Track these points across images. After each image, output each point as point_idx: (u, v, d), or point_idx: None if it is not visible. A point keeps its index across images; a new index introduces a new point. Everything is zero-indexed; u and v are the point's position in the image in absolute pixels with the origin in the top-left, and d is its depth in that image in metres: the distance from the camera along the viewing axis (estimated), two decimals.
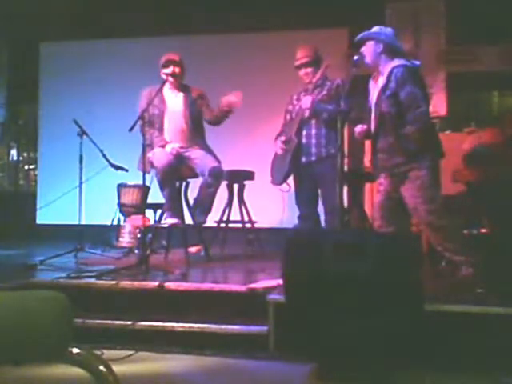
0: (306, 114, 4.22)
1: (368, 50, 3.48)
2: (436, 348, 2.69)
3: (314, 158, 4.22)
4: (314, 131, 4.22)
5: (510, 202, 4.09)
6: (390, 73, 3.37)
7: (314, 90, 4.22)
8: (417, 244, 2.79)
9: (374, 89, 3.52)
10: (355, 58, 3.53)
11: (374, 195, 5.34)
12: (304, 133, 4.25)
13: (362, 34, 3.52)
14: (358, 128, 3.59)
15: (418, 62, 3.53)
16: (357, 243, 2.68)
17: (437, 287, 3.23)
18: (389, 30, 3.56)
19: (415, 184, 3.34)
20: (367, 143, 5.42)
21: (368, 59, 3.49)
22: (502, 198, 4.10)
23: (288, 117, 4.43)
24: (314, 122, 4.22)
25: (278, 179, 4.33)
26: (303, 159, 4.25)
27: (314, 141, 4.21)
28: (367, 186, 5.30)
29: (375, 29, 3.53)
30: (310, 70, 4.25)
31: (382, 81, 3.43)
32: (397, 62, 3.39)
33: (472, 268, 3.33)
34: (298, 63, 4.29)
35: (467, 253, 3.36)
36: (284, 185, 4.33)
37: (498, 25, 5.60)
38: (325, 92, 4.19)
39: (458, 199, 4.14)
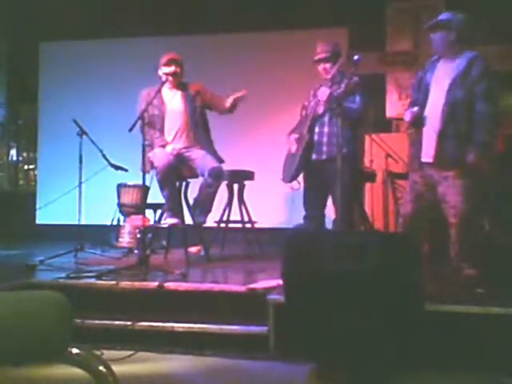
0: (321, 108, 4.18)
1: (438, 39, 3.43)
2: (436, 348, 2.69)
3: (324, 157, 4.14)
4: (326, 129, 4.15)
5: (510, 202, 4.09)
6: (471, 61, 3.34)
7: (333, 86, 4.10)
8: (417, 244, 2.78)
9: (444, 74, 3.42)
10: (355, 57, 3.52)
11: (373, 194, 5.35)
12: (317, 130, 4.19)
13: (433, 21, 3.46)
14: (412, 110, 3.45)
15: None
16: (357, 243, 2.68)
17: (437, 287, 3.22)
18: (460, 16, 3.48)
19: (465, 181, 3.30)
20: (367, 143, 5.43)
21: (438, 46, 3.45)
22: (502, 198, 4.10)
23: (304, 112, 4.38)
24: (327, 119, 4.16)
25: (288, 177, 4.28)
26: (313, 157, 4.19)
27: (325, 139, 4.14)
28: (367, 185, 5.30)
29: (446, 15, 3.47)
30: (328, 65, 4.18)
31: (455, 67, 3.38)
32: (474, 52, 3.38)
33: (474, 269, 3.33)
34: (316, 58, 4.23)
35: (472, 258, 3.36)
36: (294, 182, 4.30)
37: (498, 25, 5.59)
38: (342, 89, 4.13)
39: None
